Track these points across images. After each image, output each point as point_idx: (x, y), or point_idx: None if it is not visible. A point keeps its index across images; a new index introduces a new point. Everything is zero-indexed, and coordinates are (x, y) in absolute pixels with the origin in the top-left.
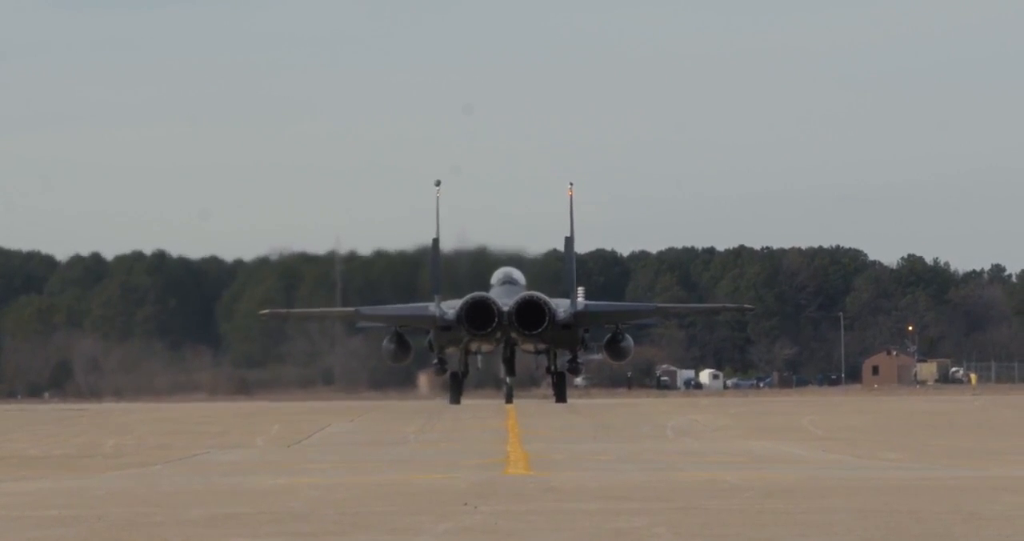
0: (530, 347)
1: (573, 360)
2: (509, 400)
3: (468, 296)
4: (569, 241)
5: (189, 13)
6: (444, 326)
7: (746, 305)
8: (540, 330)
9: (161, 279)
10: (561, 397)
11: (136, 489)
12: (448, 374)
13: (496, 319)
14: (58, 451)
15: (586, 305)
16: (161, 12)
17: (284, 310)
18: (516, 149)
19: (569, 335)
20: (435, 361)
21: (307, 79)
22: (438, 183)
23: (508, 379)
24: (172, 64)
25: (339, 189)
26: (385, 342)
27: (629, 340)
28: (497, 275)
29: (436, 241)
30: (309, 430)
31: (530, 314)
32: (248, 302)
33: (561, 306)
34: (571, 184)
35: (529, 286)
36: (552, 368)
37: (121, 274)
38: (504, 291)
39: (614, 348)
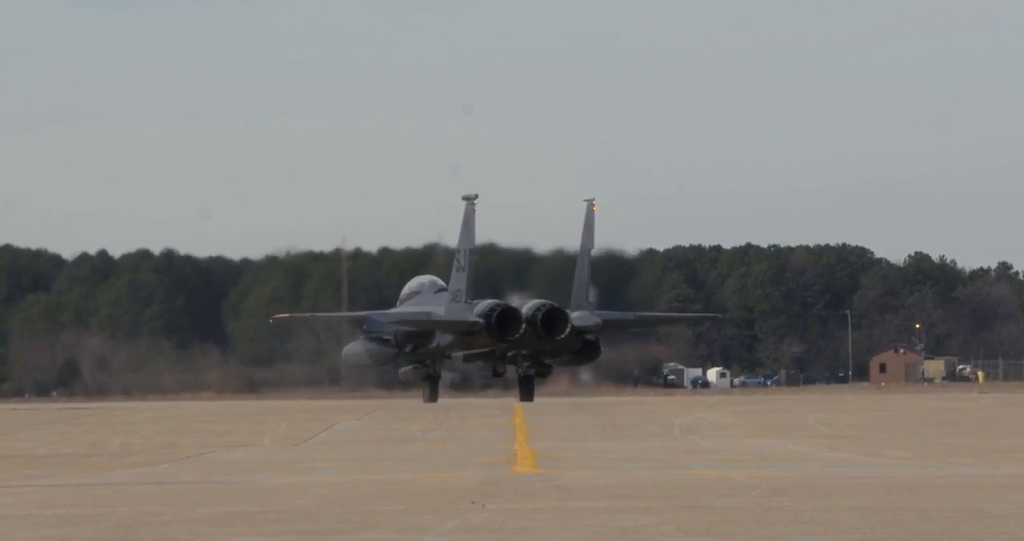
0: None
1: (543, 363)
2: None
3: (490, 302)
4: (587, 252)
5: (194, 13)
6: (468, 331)
7: (717, 314)
8: (562, 337)
9: (168, 278)
10: (528, 397)
11: (143, 488)
12: (425, 375)
13: (522, 326)
14: (66, 450)
15: (599, 314)
16: (163, 12)
17: (305, 314)
18: (522, 148)
19: (574, 342)
20: (415, 363)
21: (314, 77)
22: (476, 197)
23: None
24: (177, 63)
25: (345, 187)
26: (376, 346)
27: (600, 345)
28: (423, 282)
29: (472, 252)
30: (316, 429)
31: (553, 322)
32: (255, 301)
33: (574, 314)
34: (593, 200)
35: (544, 288)
36: (519, 371)
37: (128, 273)
38: (439, 298)
39: (591, 353)
